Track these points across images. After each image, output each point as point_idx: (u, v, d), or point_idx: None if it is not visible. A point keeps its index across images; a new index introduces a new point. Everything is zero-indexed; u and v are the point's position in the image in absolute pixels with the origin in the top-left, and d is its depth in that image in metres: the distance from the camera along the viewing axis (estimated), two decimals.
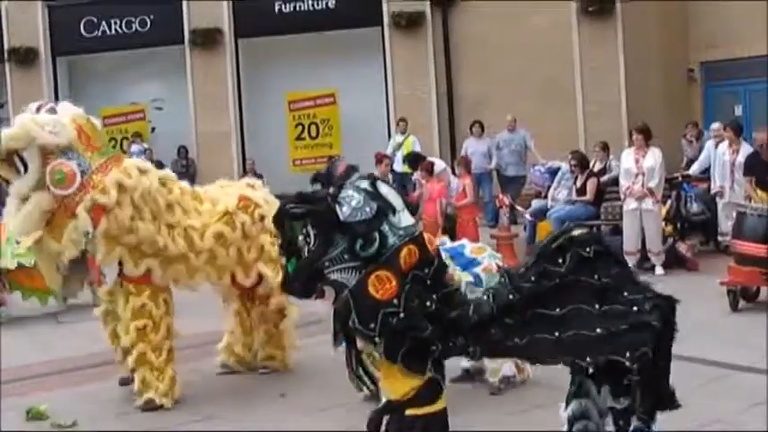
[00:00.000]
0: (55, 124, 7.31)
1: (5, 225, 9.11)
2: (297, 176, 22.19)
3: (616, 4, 20.01)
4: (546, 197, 15.52)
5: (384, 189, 4.45)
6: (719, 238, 13.84)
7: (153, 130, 24.18)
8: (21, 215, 7.27)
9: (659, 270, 12.62)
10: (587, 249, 4.58)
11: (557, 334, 4.51)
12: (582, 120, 20.17)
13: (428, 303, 4.42)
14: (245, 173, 22.01)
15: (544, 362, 4.85)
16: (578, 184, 14.68)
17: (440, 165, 15.61)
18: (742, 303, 10.20)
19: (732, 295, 10.27)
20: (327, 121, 22.58)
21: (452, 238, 8.93)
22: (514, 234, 14.10)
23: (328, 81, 22.40)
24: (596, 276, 4.56)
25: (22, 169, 7.25)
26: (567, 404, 5.13)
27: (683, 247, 13.11)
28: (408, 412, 4.55)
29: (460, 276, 7.48)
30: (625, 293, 4.55)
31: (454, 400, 5.45)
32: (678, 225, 13.68)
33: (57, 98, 23.46)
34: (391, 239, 4.33)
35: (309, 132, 22.73)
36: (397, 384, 4.59)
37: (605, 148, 15.50)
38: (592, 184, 14.48)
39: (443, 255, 7.76)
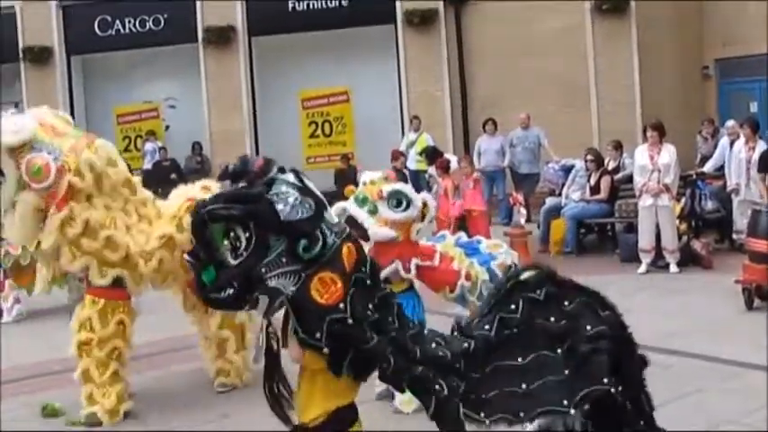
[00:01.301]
0: (14, 123, 7.20)
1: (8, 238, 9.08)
2: (311, 174, 22.12)
3: (630, 3, 19.97)
4: (560, 195, 15.49)
5: (310, 183, 3.99)
6: (734, 236, 13.75)
7: (167, 128, 24.26)
8: (16, 223, 7.23)
9: (674, 268, 12.57)
10: (537, 292, 4.31)
11: (524, 386, 4.18)
12: (596, 118, 20.13)
13: (370, 308, 3.98)
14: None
15: (513, 420, 4.25)
16: (592, 182, 14.65)
17: (453, 163, 15.56)
18: (757, 302, 10.14)
19: (747, 293, 10.21)
20: (341, 119, 22.59)
21: (466, 234, 8.85)
22: (528, 232, 14.05)
23: (342, 79, 22.43)
24: (552, 319, 4.29)
25: (2, 179, 7.17)
26: None
27: (697, 245, 13.04)
28: None
29: (477, 272, 7.47)
30: (588, 328, 4.27)
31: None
32: (693, 223, 13.63)
33: (71, 97, 23.60)
34: (330, 238, 3.87)
35: (323, 130, 22.75)
36: (311, 405, 4.11)
37: (618, 146, 15.49)
38: (606, 182, 14.46)
39: (459, 250, 7.81)
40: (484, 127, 19.35)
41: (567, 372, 4.23)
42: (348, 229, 4.09)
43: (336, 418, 4.13)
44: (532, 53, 20.03)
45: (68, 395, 8.06)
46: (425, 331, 4.33)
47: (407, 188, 7.47)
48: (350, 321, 3.87)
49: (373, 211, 7.17)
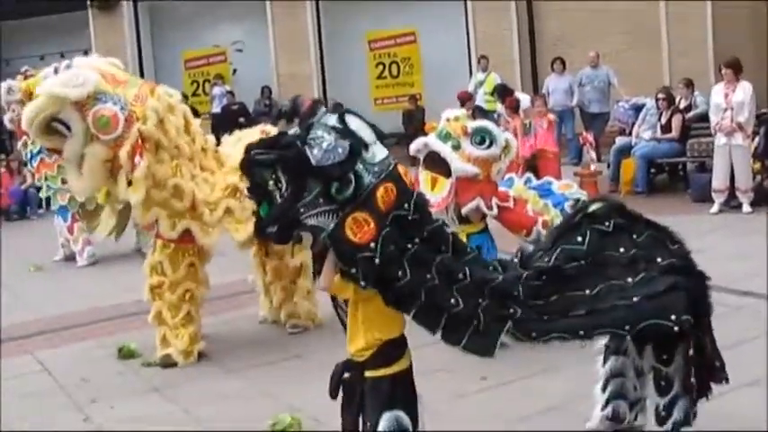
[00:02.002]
0: (76, 77, 7.16)
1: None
2: (379, 116, 22.18)
3: None
4: (630, 134, 15.29)
5: (354, 123, 4.09)
6: None
7: (234, 72, 24.37)
8: (85, 175, 7.22)
9: (747, 208, 12.37)
10: (606, 224, 4.37)
11: (589, 308, 4.26)
12: (666, 57, 19.73)
13: (409, 246, 4.09)
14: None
15: (578, 337, 4.42)
16: (663, 120, 14.43)
17: (525, 100, 15.42)
18: None
19: None
20: (408, 60, 22.46)
21: (536, 176, 8.78)
22: (598, 171, 13.91)
23: (408, 19, 22.24)
24: (622, 249, 4.35)
25: (67, 133, 7.18)
26: (605, 360, 5.05)
27: None
28: (370, 374, 4.27)
29: (553, 217, 7.41)
30: (658, 260, 4.34)
31: None
32: (767, 162, 13.37)
33: (139, 43, 23.78)
34: (366, 178, 3.98)
35: (390, 71, 22.65)
36: (355, 336, 4.29)
37: (689, 84, 15.22)
38: (677, 121, 14.24)
39: (533, 192, 7.76)
40: (552, 66, 19.11)
41: (635, 299, 4.25)
42: (392, 168, 4.12)
43: (380, 352, 4.26)
44: None
45: (144, 337, 8.23)
46: (484, 259, 4.43)
47: (492, 126, 7.45)
48: (377, 261, 3.99)
49: (456, 147, 7.13)
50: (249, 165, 4.12)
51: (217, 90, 23.07)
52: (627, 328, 4.31)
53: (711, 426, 4.82)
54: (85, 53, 24.29)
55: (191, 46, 24.59)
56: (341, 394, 4.36)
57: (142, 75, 24.44)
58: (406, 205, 4.09)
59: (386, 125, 22.14)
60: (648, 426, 4.77)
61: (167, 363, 7.69)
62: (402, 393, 4.28)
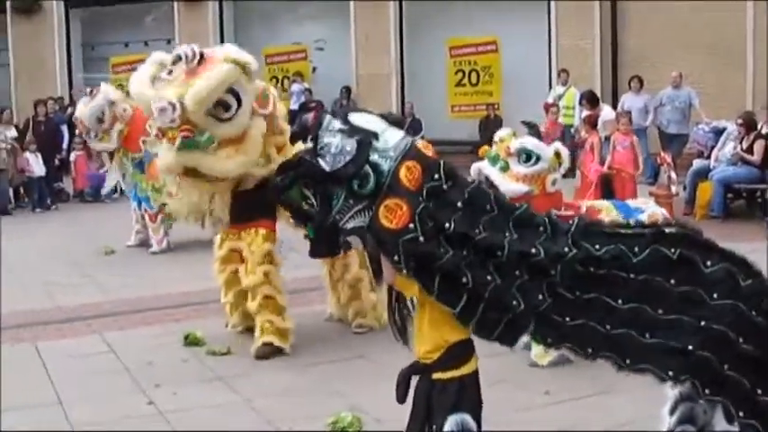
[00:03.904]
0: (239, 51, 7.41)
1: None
2: (455, 123, 22.18)
3: None
4: (708, 157, 15.07)
5: (359, 119, 4.10)
6: None
7: (314, 70, 24.48)
8: (250, 147, 7.31)
9: None
10: (672, 250, 4.14)
11: (608, 327, 4.11)
12: (751, 79, 19.41)
13: (457, 207, 4.03)
14: (403, 116, 22.11)
15: (578, 352, 4.25)
16: (744, 145, 14.20)
17: (608, 113, 15.27)
18: None
19: None
20: (488, 69, 22.34)
21: (610, 195, 8.74)
22: (674, 193, 13.73)
23: (490, 28, 22.17)
24: (672, 281, 4.13)
25: (222, 112, 7.21)
26: (675, 408, 4.91)
27: None
28: (437, 376, 4.21)
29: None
30: (712, 299, 4.09)
31: None
32: None
33: (222, 37, 24.03)
34: (385, 165, 3.99)
35: (470, 79, 22.58)
36: (422, 339, 4.26)
37: None
38: (759, 146, 13.99)
39: (608, 203, 7.72)
40: (629, 84, 18.94)
41: (648, 339, 4.10)
42: (409, 147, 4.09)
43: (448, 354, 4.21)
44: (687, 9, 19.37)
45: (210, 326, 8.32)
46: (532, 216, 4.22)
47: (533, 141, 7.50)
48: (421, 239, 3.96)
49: (505, 168, 7.27)
50: (276, 193, 4.21)
51: (296, 87, 23.21)
52: (627, 361, 4.17)
53: None
54: (168, 42, 24.82)
55: (272, 42, 24.77)
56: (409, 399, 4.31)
57: None
58: (435, 176, 4.06)
59: (462, 133, 22.18)
60: None
61: (267, 352, 7.74)
62: (469, 397, 4.24)
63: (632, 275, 4.14)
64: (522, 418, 6.06)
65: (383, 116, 4.18)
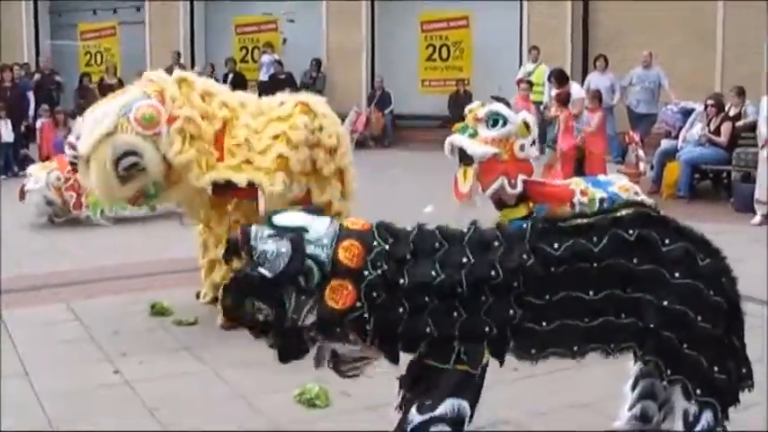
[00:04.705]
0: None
1: None
2: (425, 97, 22.17)
3: None
4: (676, 138, 15.17)
5: (284, 219, 4.20)
6: None
7: (284, 41, 24.36)
8: (183, 174, 7.46)
9: None
10: (629, 232, 4.24)
11: (586, 320, 4.24)
12: (720, 62, 19.50)
13: (401, 282, 4.12)
14: (373, 89, 22.09)
15: (565, 354, 4.40)
16: (712, 127, 14.30)
17: (578, 91, 15.31)
18: None
19: None
20: (459, 44, 22.35)
21: (581, 171, 8.87)
22: (642, 172, 13.81)
23: (463, 4, 22.12)
24: (635, 261, 4.23)
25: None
26: (635, 385, 4.96)
27: None
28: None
29: (593, 192, 7.53)
30: (676, 275, 4.20)
31: None
32: None
33: (191, 9, 23.87)
34: (323, 254, 4.09)
35: (440, 54, 22.56)
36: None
37: (741, 93, 14.99)
38: (726, 128, 14.11)
39: (578, 178, 7.84)
40: (594, 63, 19.02)
41: (624, 318, 4.25)
42: (339, 228, 4.21)
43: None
44: None
45: (177, 296, 8.28)
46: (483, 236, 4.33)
47: (501, 107, 7.67)
48: (365, 315, 4.09)
49: (474, 134, 7.46)
50: (230, 312, 4.32)
51: (265, 58, 23.09)
52: (612, 346, 4.34)
53: None
54: (138, 10, 24.61)
55: (243, 12, 24.63)
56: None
57: (192, 36, 24.60)
58: (375, 243, 4.18)
59: (431, 107, 22.19)
60: (676, 428, 4.73)
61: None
62: (473, 386, 4.33)
63: (596, 264, 4.24)
64: (490, 395, 6.08)
65: (304, 210, 4.35)
